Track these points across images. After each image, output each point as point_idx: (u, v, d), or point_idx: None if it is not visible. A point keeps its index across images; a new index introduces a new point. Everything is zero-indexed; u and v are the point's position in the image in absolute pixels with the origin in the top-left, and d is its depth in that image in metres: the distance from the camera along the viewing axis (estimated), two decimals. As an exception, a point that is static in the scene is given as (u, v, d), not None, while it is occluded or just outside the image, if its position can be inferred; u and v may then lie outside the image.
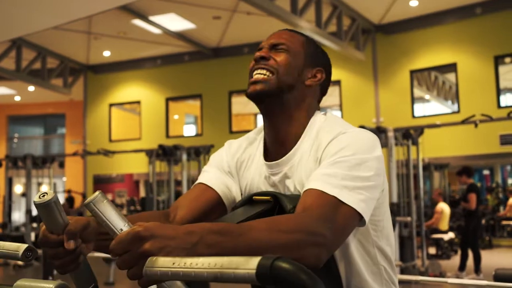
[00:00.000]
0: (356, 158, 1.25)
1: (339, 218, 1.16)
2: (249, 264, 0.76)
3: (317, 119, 1.44)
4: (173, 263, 0.85)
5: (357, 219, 1.21)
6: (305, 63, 1.45)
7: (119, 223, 1.01)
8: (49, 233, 1.10)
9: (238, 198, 1.51)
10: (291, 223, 1.09)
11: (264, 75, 1.41)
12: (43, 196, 1.07)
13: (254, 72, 1.43)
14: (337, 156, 1.26)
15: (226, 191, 1.50)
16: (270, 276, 0.73)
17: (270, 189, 1.44)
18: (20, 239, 11.70)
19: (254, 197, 1.38)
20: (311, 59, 1.47)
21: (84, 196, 17.63)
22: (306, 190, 1.22)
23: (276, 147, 1.44)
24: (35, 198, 1.06)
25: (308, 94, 1.46)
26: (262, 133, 1.53)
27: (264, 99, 1.42)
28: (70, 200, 15.59)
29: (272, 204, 1.34)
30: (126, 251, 0.94)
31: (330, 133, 1.34)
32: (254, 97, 1.42)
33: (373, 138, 1.33)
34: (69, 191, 16.98)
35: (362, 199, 1.21)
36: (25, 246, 1.14)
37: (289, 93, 1.41)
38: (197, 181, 1.52)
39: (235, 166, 1.55)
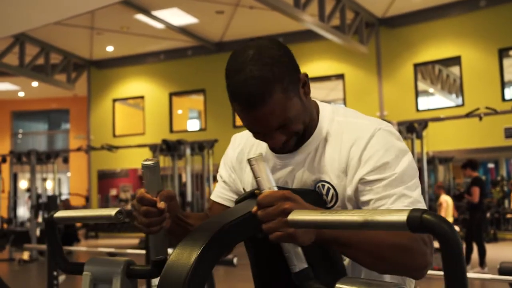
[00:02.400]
0: (406, 168, 1.31)
1: None
2: (400, 213, 0.89)
3: (326, 115, 1.42)
4: (322, 213, 1.00)
5: None
6: (295, 88, 1.32)
7: (269, 183, 1.16)
8: (146, 193, 1.28)
9: (241, 192, 1.52)
10: (409, 241, 1.19)
11: (290, 144, 1.38)
12: (150, 160, 1.29)
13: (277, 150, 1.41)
14: (388, 173, 1.29)
15: (233, 200, 1.53)
16: (419, 223, 0.86)
17: (279, 178, 1.43)
18: (25, 234, 11.74)
19: (256, 191, 1.37)
20: (294, 83, 1.32)
21: (87, 198, 17.66)
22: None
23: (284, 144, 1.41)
24: (143, 161, 1.29)
25: (308, 99, 1.39)
26: None
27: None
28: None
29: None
30: (271, 205, 1.09)
31: (361, 134, 1.34)
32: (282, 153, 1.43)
33: (398, 134, 1.37)
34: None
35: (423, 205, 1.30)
36: (116, 209, 1.33)
37: (308, 122, 1.39)
38: (210, 197, 1.62)
39: (238, 160, 1.56)
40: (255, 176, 1.17)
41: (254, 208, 1.14)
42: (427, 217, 0.86)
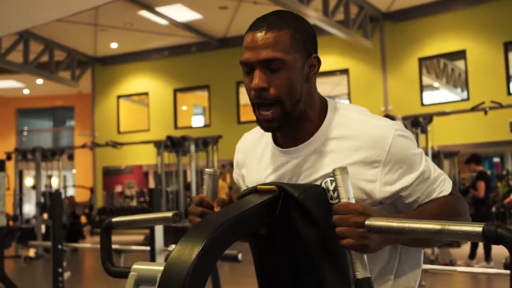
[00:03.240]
0: (425, 158, 1.39)
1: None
2: (476, 226, 1.00)
3: (334, 112, 1.40)
4: (398, 221, 1.10)
5: None
6: (302, 62, 1.33)
7: (349, 194, 1.22)
8: (205, 197, 1.42)
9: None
10: (461, 207, 1.38)
11: (271, 113, 1.33)
12: (211, 169, 1.45)
13: (260, 111, 1.34)
14: (420, 168, 1.35)
15: None
16: (495, 236, 0.97)
17: (283, 174, 1.41)
18: (30, 231, 11.79)
19: (258, 187, 1.36)
20: (305, 52, 1.33)
21: (92, 190, 17.71)
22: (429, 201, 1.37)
23: (291, 139, 1.40)
24: (207, 169, 1.45)
25: (311, 88, 1.38)
26: None
27: (280, 130, 1.38)
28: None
29: (277, 193, 1.32)
30: (347, 214, 1.16)
31: (375, 133, 1.34)
32: (270, 131, 1.41)
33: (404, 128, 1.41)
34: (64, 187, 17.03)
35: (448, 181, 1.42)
36: (173, 212, 1.48)
37: (296, 108, 1.34)
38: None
39: (243, 158, 1.57)
40: (337, 185, 1.23)
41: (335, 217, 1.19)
42: (501, 231, 0.97)
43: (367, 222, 1.12)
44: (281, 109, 1.32)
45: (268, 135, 1.47)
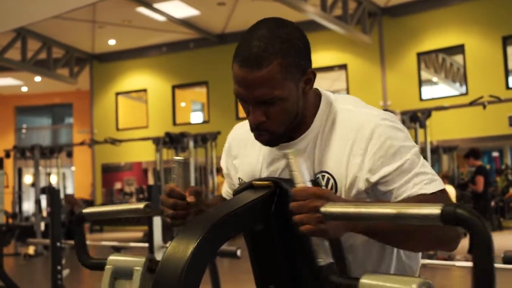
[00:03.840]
0: (414, 152, 1.32)
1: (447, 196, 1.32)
2: (434, 207, 0.92)
3: (327, 107, 1.40)
4: (355, 205, 1.03)
5: None
6: (297, 85, 1.31)
7: (306, 178, 1.18)
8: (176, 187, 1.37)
9: (236, 181, 1.53)
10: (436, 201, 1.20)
11: (266, 137, 1.36)
12: (180, 156, 1.38)
13: (255, 134, 1.37)
14: (400, 168, 1.29)
15: None
16: (453, 217, 0.91)
17: (277, 169, 1.42)
18: (30, 229, 11.78)
19: (253, 182, 1.36)
20: (299, 72, 1.30)
21: (92, 202, 17.68)
22: (411, 197, 1.27)
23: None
24: (176, 157, 1.38)
25: (308, 98, 1.37)
26: None
27: (277, 145, 1.40)
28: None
29: (273, 189, 1.32)
30: (305, 199, 1.10)
31: (340, 130, 1.35)
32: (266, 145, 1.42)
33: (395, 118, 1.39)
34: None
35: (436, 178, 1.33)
36: (145, 203, 1.42)
37: (293, 125, 1.36)
38: (221, 193, 1.67)
39: (235, 149, 1.56)
40: (290, 170, 1.19)
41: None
42: (460, 211, 0.90)
43: (322, 209, 1.07)
44: (273, 135, 1.35)
45: None
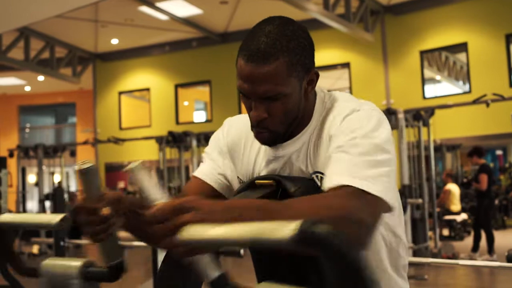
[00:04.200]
0: (374, 142, 1.22)
1: (372, 207, 1.16)
2: (288, 228, 0.73)
3: (320, 106, 1.39)
4: (207, 231, 0.87)
5: (385, 207, 1.20)
6: (300, 83, 1.31)
7: (157, 193, 1.06)
8: (86, 201, 1.14)
9: (235, 180, 1.49)
10: (333, 200, 1.11)
11: (266, 135, 1.35)
12: (84, 164, 1.12)
13: (255, 132, 1.35)
14: (354, 140, 1.22)
15: (221, 182, 1.49)
16: (310, 239, 0.71)
17: (274, 169, 1.41)
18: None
19: (256, 181, 1.36)
20: (303, 71, 1.30)
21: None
22: (336, 186, 1.17)
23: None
24: (77, 166, 1.13)
25: (309, 98, 1.37)
26: None
27: (276, 145, 1.39)
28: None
29: (275, 187, 1.31)
30: (165, 220, 0.96)
31: (342, 112, 1.32)
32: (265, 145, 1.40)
33: (384, 117, 1.31)
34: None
35: (387, 187, 1.19)
36: (62, 215, 1.26)
37: (293, 125, 1.36)
38: (193, 174, 1.52)
39: (232, 147, 1.52)
40: (140, 189, 1.08)
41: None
42: (318, 231, 0.71)
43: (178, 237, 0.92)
44: (273, 134, 1.34)
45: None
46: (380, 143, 1.23)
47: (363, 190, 1.15)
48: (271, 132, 1.33)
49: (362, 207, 1.11)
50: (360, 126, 1.24)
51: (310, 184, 1.31)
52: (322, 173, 1.31)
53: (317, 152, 1.35)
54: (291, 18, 1.35)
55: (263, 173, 1.43)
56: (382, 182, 1.18)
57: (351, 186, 1.15)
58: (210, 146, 1.56)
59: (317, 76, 1.34)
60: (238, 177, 1.49)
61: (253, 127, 1.35)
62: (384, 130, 1.26)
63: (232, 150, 1.51)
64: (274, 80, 1.25)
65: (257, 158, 1.46)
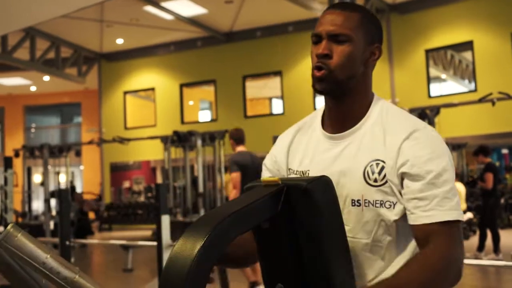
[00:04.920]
0: (448, 172, 1.36)
1: (460, 234, 1.34)
2: None
3: (379, 103, 1.50)
4: None
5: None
6: (365, 44, 1.45)
7: (40, 256, 0.96)
8: None
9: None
10: (435, 273, 1.27)
11: (322, 73, 1.43)
12: None
13: (314, 69, 1.44)
14: (432, 174, 1.34)
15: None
16: None
17: (333, 161, 1.47)
18: (39, 227, 11.84)
19: (262, 179, 1.35)
20: (369, 37, 1.46)
21: (100, 197, 17.72)
22: (425, 224, 1.32)
23: (339, 124, 1.48)
24: None
25: (367, 74, 1.49)
26: (318, 116, 1.57)
27: (326, 93, 1.47)
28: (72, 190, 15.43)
29: (281, 186, 1.31)
30: None
31: (400, 123, 1.43)
32: (317, 92, 1.47)
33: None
34: (73, 187, 16.97)
35: (458, 208, 1.35)
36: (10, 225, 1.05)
37: (349, 82, 1.44)
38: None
39: (286, 156, 1.58)
40: (18, 259, 0.98)
41: None
42: None
43: None
44: (329, 73, 1.42)
45: (309, 128, 1.56)
46: (450, 168, 1.38)
47: (454, 221, 1.33)
48: (330, 72, 1.41)
49: (458, 249, 1.32)
50: (435, 156, 1.36)
51: (322, 179, 1.31)
52: (382, 161, 1.39)
53: (379, 144, 1.41)
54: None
55: (315, 162, 1.49)
56: (458, 206, 1.36)
57: (443, 222, 1.31)
58: (265, 163, 1.65)
59: (380, 52, 1.49)
60: (289, 168, 1.56)
61: (315, 64, 1.44)
62: (449, 157, 1.40)
63: (285, 158, 1.58)
64: (346, 23, 1.42)
65: (311, 152, 1.52)
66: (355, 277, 1.35)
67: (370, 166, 1.39)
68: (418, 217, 1.32)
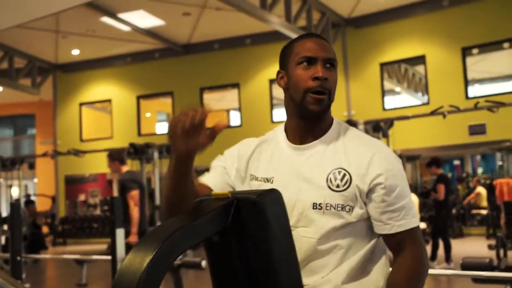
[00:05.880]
0: (407, 184, 1.58)
1: (421, 235, 1.59)
2: None
3: (336, 120, 1.66)
4: None
5: None
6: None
7: None
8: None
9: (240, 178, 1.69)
10: (419, 270, 1.53)
11: (325, 97, 1.57)
12: None
13: (318, 95, 1.56)
14: (400, 187, 1.54)
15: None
16: None
17: (296, 171, 1.58)
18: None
19: (212, 193, 1.37)
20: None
21: (53, 199, 17.39)
22: (398, 232, 1.54)
23: (303, 138, 1.61)
24: None
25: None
26: (280, 130, 1.69)
27: (319, 115, 1.60)
28: (29, 203, 15.10)
29: (231, 199, 1.33)
30: None
31: (361, 138, 1.62)
32: (313, 114, 1.58)
33: None
34: (28, 196, 16.63)
35: (417, 215, 1.59)
36: None
37: (332, 101, 1.61)
38: (202, 180, 1.66)
39: (246, 162, 1.67)
40: None
41: None
42: None
43: None
44: (328, 98, 1.57)
45: (272, 141, 1.68)
46: (407, 186, 1.59)
47: (416, 226, 1.56)
48: (329, 95, 1.57)
49: (425, 249, 1.57)
50: (396, 174, 1.55)
51: (270, 192, 1.34)
52: (345, 170, 1.53)
53: (346, 154, 1.56)
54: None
55: (286, 168, 1.60)
56: (415, 210, 1.60)
57: (411, 228, 1.54)
58: (221, 158, 1.73)
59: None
60: (250, 174, 1.65)
61: (312, 90, 1.55)
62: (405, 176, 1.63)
63: (246, 163, 1.68)
64: (332, 51, 1.59)
65: (275, 162, 1.63)
66: (337, 271, 1.51)
67: (333, 173, 1.53)
68: (393, 227, 1.52)
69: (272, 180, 1.58)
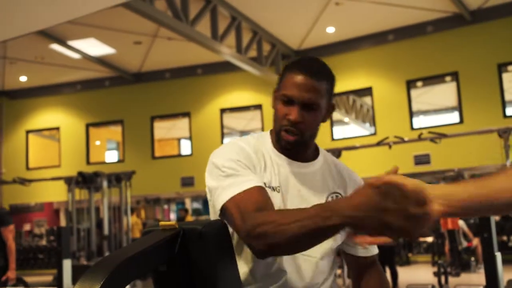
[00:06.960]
0: None
1: None
2: None
3: (319, 148, 1.78)
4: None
5: None
6: (326, 105, 1.66)
7: None
8: None
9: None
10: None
11: (294, 139, 1.62)
12: None
13: (287, 133, 1.62)
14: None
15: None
16: None
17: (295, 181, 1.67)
18: None
19: (160, 223, 1.42)
20: (330, 98, 1.67)
21: None
22: (370, 255, 1.79)
23: (292, 155, 1.69)
24: None
25: (320, 124, 1.70)
26: (267, 142, 1.73)
27: (293, 150, 1.67)
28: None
29: (178, 230, 1.37)
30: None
31: (345, 167, 1.81)
32: (289, 149, 1.66)
33: None
34: None
35: None
36: None
37: (311, 139, 1.69)
38: (248, 186, 1.51)
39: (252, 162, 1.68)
40: None
41: None
42: None
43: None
44: (300, 138, 1.63)
45: (264, 146, 1.70)
46: None
47: None
48: (301, 135, 1.62)
49: None
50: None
51: (216, 223, 1.40)
52: (341, 194, 1.69)
53: (337, 179, 1.73)
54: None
55: (290, 181, 1.67)
56: None
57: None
58: (241, 164, 1.61)
59: (333, 108, 1.70)
60: (264, 183, 1.61)
61: (284, 128, 1.62)
62: None
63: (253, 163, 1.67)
64: (318, 93, 1.59)
65: (272, 172, 1.66)
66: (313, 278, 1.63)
67: (331, 196, 1.67)
68: (369, 251, 1.75)
69: (279, 189, 1.64)
